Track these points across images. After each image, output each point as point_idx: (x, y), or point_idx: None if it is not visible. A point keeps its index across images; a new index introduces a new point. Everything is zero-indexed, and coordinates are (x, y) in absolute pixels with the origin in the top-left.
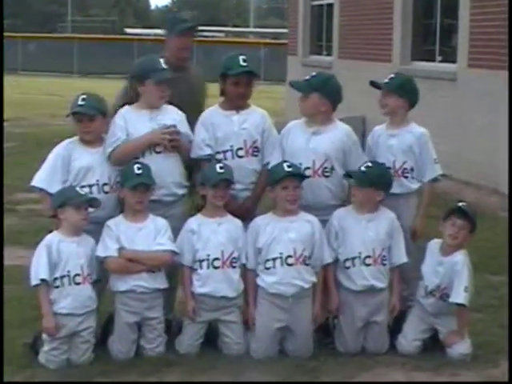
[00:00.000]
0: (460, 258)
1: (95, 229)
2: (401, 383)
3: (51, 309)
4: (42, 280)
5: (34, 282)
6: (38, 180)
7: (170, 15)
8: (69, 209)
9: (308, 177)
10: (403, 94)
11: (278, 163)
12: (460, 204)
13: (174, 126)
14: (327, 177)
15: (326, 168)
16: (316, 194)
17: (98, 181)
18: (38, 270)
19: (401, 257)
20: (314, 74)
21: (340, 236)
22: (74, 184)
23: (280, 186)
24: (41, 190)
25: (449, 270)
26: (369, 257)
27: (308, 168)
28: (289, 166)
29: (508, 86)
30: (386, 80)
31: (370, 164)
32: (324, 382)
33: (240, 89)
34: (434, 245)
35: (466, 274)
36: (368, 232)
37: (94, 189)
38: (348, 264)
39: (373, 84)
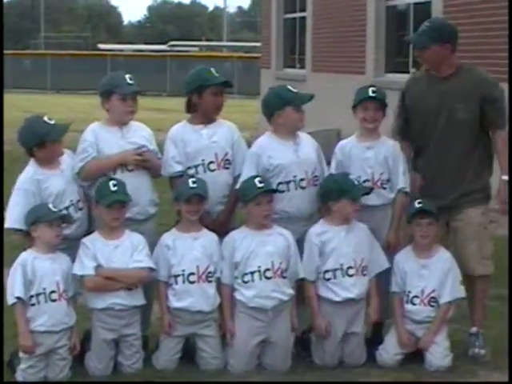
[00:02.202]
0: (447, 255)
1: (75, 245)
2: (408, 383)
3: (28, 327)
4: (18, 298)
5: (10, 300)
6: (15, 220)
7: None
8: (41, 226)
9: (304, 188)
10: (385, 108)
11: (248, 179)
12: (418, 205)
13: (144, 146)
14: (316, 185)
15: (316, 176)
16: (310, 204)
17: (71, 201)
18: (14, 288)
19: (381, 264)
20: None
21: (322, 252)
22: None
23: (253, 203)
24: (19, 230)
25: (436, 270)
26: (351, 267)
27: (303, 179)
28: (260, 182)
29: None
30: (373, 94)
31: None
32: (331, 382)
33: (218, 99)
34: (407, 252)
35: (458, 269)
36: (348, 242)
37: (71, 209)
38: (328, 276)
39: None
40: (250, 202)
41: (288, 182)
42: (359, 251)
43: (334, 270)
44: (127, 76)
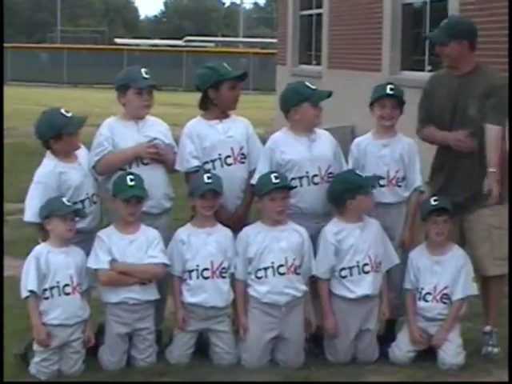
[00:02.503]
0: (460, 252)
1: (88, 238)
2: (407, 383)
3: (41, 320)
4: (31, 291)
5: (23, 294)
6: (34, 215)
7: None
8: (55, 220)
9: (317, 184)
10: (402, 106)
11: (265, 174)
12: (434, 203)
13: (157, 139)
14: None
15: (330, 173)
16: (323, 200)
17: (87, 194)
18: (27, 281)
19: (393, 260)
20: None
21: (339, 250)
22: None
23: (268, 198)
24: (38, 223)
25: (449, 267)
26: (366, 264)
27: (316, 175)
28: (276, 178)
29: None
30: (390, 91)
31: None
32: (328, 381)
33: (236, 92)
34: (421, 250)
35: (471, 266)
36: (364, 239)
37: (86, 202)
38: (344, 273)
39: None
40: (264, 196)
41: (301, 178)
42: (374, 247)
43: (351, 268)
44: (143, 70)
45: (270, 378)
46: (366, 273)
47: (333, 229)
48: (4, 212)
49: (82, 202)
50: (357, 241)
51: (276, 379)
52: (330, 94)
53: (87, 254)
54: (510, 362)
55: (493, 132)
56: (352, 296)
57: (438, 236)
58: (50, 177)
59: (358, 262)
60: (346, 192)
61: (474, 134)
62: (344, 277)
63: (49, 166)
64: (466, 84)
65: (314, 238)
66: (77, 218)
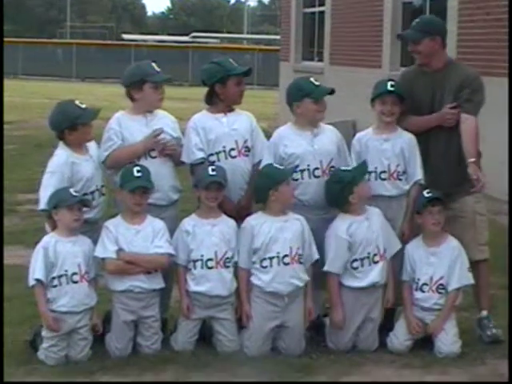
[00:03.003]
0: (455, 243)
1: (94, 228)
2: (393, 383)
3: (48, 307)
4: (37, 280)
5: (30, 282)
6: (48, 203)
7: None
8: (62, 210)
9: (318, 177)
10: (403, 102)
11: (273, 166)
12: (428, 195)
13: (161, 129)
14: None
15: (332, 167)
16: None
17: (97, 186)
18: (34, 271)
19: (395, 245)
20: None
21: (353, 244)
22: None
23: (277, 188)
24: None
25: (445, 258)
26: (376, 254)
27: (317, 168)
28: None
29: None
30: (391, 88)
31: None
32: (319, 382)
33: (241, 87)
34: (416, 242)
35: (466, 257)
36: (372, 231)
37: (96, 194)
38: (356, 265)
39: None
40: (276, 186)
41: (302, 171)
42: (381, 236)
43: (362, 259)
44: (154, 65)
45: (271, 364)
46: (376, 262)
47: (343, 225)
48: (14, 202)
49: (92, 193)
50: (366, 232)
51: (277, 366)
52: (332, 91)
53: (93, 243)
54: (510, 362)
55: (468, 121)
56: (361, 284)
57: (435, 226)
58: (64, 167)
59: (368, 253)
60: (344, 189)
61: (451, 128)
62: (355, 268)
63: (63, 156)
64: (439, 79)
65: (315, 230)
66: (84, 209)
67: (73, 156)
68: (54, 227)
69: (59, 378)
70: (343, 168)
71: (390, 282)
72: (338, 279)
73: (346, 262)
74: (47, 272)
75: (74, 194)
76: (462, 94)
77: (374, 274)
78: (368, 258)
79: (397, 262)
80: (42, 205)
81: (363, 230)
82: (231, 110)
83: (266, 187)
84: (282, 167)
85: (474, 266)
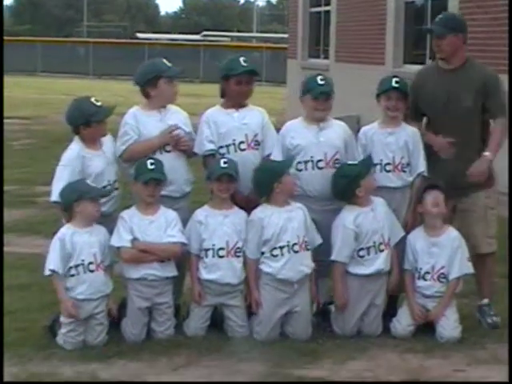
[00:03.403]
0: (455, 233)
1: (107, 220)
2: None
3: (66, 294)
4: (52, 271)
5: (46, 272)
6: (60, 195)
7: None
8: (85, 202)
9: (321, 168)
10: (407, 98)
11: (272, 160)
12: (428, 183)
13: (176, 125)
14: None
15: (336, 160)
16: (327, 185)
17: (109, 180)
18: (50, 261)
19: (399, 233)
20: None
21: (359, 234)
22: None
23: (280, 180)
24: (62, 204)
25: (445, 248)
26: (381, 243)
27: (320, 160)
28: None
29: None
30: (396, 84)
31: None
32: (330, 381)
33: (243, 87)
34: (418, 232)
35: (466, 247)
36: (378, 220)
37: (108, 189)
38: (362, 253)
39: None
40: (279, 178)
41: (306, 162)
42: (386, 226)
43: (368, 248)
44: (165, 60)
45: (280, 349)
46: (382, 251)
47: (350, 216)
48: (34, 194)
49: (104, 187)
50: (372, 223)
51: (285, 351)
52: (329, 93)
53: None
54: (510, 362)
55: (501, 125)
56: (367, 272)
57: (433, 206)
58: (76, 161)
59: (374, 242)
60: (351, 183)
61: (468, 125)
62: (362, 256)
63: (75, 150)
64: (458, 76)
65: (319, 221)
66: (102, 200)
67: (84, 151)
68: (69, 219)
69: (77, 362)
70: (350, 162)
71: (394, 269)
72: (343, 268)
73: (352, 252)
74: (64, 262)
75: (95, 186)
76: (493, 101)
77: (380, 261)
78: (374, 246)
79: (400, 250)
80: (54, 197)
81: (369, 220)
82: (243, 105)
83: (270, 181)
84: (280, 159)
85: (482, 257)
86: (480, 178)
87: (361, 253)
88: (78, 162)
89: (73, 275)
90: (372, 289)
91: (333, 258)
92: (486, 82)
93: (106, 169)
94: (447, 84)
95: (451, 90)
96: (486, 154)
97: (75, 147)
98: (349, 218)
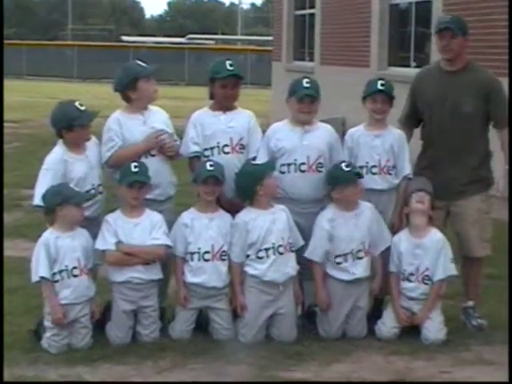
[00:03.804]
0: (440, 235)
1: (91, 224)
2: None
3: (58, 300)
4: (42, 277)
5: (34, 278)
6: (41, 199)
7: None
8: (69, 206)
9: (303, 171)
10: (392, 100)
11: (253, 163)
12: (416, 187)
13: (163, 130)
14: (320, 172)
15: (319, 163)
16: (310, 188)
17: (93, 185)
18: (38, 268)
19: (386, 241)
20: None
21: (333, 237)
22: None
23: (262, 183)
24: (45, 207)
25: (429, 250)
26: (360, 251)
27: (303, 163)
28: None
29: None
30: (381, 87)
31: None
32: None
33: (227, 91)
34: (403, 234)
35: (450, 249)
36: (358, 228)
37: (92, 192)
38: (339, 260)
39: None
40: (260, 181)
41: (289, 165)
42: (368, 234)
43: (345, 255)
44: (139, 62)
45: (265, 351)
46: (360, 258)
47: (327, 214)
48: (20, 197)
49: (88, 192)
50: (351, 230)
51: (271, 353)
52: (314, 96)
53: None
54: (510, 362)
55: (505, 132)
56: (346, 278)
57: (418, 203)
58: (59, 164)
59: (352, 249)
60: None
61: (468, 128)
62: (339, 263)
63: (58, 153)
64: (458, 79)
65: (300, 223)
66: (85, 205)
67: (67, 154)
68: (51, 222)
69: (62, 365)
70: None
71: (377, 274)
72: (320, 269)
73: (326, 253)
74: (50, 268)
75: (79, 190)
76: (498, 109)
77: (359, 269)
78: (351, 254)
79: (386, 253)
80: (36, 200)
81: (349, 226)
82: (231, 108)
83: (252, 184)
84: (261, 162)
85: (472, 260)
86: None
87: (337, 259)
88: (60, 165)
89: (57, 281)
90: (354, 292)
91: (306, 255)
92: (489, 86)
93: (90, 173)
94: (449, 85)
95: (450, 91)
96: (507, 167)
97: (58, 151)
98: (325, 217)
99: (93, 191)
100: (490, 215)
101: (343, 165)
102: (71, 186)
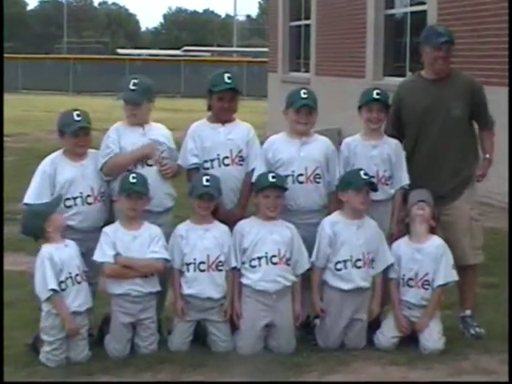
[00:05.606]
0: (440, 241)
1: (82, 237)
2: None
3: (69, 312)
4: (53, 290)
5: (44, 294)
6: (28, 197)
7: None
8: (52, 217)
9: (301, 183)
10: (388, 109)
11: (263, 173)
12: (417, 199)
13: (163, 144)
14: (318, 183)
15: (317, 174)
16: (307, 199)
17: (81, 193)
18: (46, 282)
19: (386, 261)
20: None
21: (334, 242)
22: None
23: (262, 195)
24: (29, 205)
25: (429, 255)
26: (359, 260)
27: (301, 175)
28: (273, 177)
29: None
30: (377, 96)
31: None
32: (328, 381)
33: (224, 104)
34: (402, 241)
35: (450, 255)
36: (359, 236)
37: (78, 201)
38: (339, 266)
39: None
40: (259, 193)
41: (286, 176)
42: (368, 245)
43: (345, 261)
44: (132, 80)
45: (263, 363)
46: (358, 268)
47: (331, 219)
48: (14, 211)
49: (74, 199)
50: (351, 236)
51: (269, 365)
52: (312, 107)
53: (89, 252)
54: (510, 362)
55: (491, 136)
56: (345, 287)
57: (418, 209)
58: (48, 166)
59: (351, 256)
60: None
61: (456, 133)
62: (339, 269)
63: (51, 156)
64: (445, 86)
65: (300, 234)
66: (65, 214)
67: (59, 158)
68: (46, 241)
69: (60, 379)
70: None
71: (377, 293)
72: (319, 276)
73: (327, 257)
74: (57, 279)
75: (47, 200)
76: (482, 112)
77: (358, 278)
78: (350, 260)
79: (386, 276)
80: (26, 199)
81: (348, 232)
82: (230, 120)
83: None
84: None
85: (466, 268)
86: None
87: (338, 266)
88: (49, 167)
89: (63, 289)
90: (353, 303)
91: (312, 259)
92: (474, 91)
93: (80, 181)
94: (435, 93)
95: (440, 99)
96: (487, 156)
97: (54, 154)
98: (328, 221)
99: (79, 199)
100: (479, 223)
101: (362, 172)
102: (57, 188)
